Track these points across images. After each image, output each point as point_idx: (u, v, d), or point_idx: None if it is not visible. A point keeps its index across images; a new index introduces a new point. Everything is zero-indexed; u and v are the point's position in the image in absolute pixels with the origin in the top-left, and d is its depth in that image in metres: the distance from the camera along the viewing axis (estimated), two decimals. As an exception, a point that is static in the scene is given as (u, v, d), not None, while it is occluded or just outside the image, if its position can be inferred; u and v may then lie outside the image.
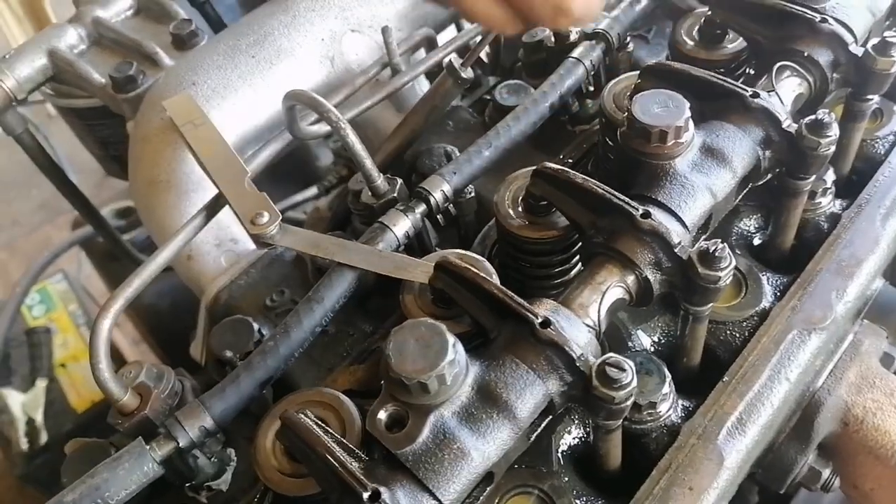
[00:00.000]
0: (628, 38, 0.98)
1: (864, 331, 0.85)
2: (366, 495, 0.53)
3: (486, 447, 0.58)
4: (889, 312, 1.09)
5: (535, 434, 0.63)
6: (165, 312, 2.11)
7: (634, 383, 0.58)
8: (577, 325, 0.63)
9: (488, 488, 0.61)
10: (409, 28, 1.08)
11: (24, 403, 2.57)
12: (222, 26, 1.28)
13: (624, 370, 0.57)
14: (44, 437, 2.40)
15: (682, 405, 0.76)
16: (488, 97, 1.12)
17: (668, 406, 0.74)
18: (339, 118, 0.77)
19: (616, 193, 0.68)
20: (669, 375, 0.74)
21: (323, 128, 0.89)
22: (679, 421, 0.74)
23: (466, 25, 1.23)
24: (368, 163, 0.80)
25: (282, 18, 1.01)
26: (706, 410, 0.73)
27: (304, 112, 0.91)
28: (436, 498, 0.55)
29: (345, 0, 1.03)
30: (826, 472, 0.81)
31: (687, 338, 0.75)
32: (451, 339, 0.58)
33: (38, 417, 2.52)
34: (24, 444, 2.50)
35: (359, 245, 0.74)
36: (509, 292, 0.63)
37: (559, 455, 0.74)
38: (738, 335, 0.80)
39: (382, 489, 0.54)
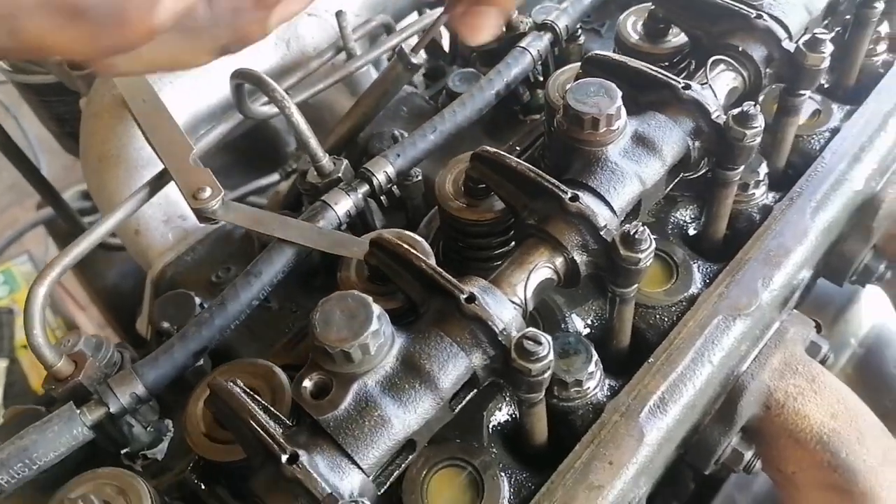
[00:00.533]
0: (580, 31, 1.01)
1: (791, 319, 0.88)
2: (284, 458, 0.55)
3: (408, 416, 0.60)
4: (825, 305, 1.14)
5: (459, 406, 0.66)
6: (128, 294, 2.10)
7: (551, 356, 0.60)
8: (503, 302, 0.65)
9: (410, 456, 0.63)
10: (367, 13, 1.09)
11: (-15, 382, 2.55)
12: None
13: (541, 343, 0.60)
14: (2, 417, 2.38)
15: (609, 384, 0.78)
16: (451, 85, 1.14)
17: (595, 384, 0.77)
18: (283, 97, 0.78)
19: (547, 177, 0.70)
20: (596, 355, 0.76)
21: (272, 108, 0.90)
22: (605, 399, 0.77)
23: (419, 15, 1.25)
24: (313, 142, 0.81)
25: None
26: (630, 389, 0.75)
27: (256, 94, 0.92)
28: (354, 462, 0.57)
29: (302, -16, 1.04)
30: (748, 455, 0.84)
31: (615, 320, 0.77)
32: (376, 310, 0.60)
33: (-2, 396, 2.50)
34: (-18, 424, 2.47)
35: (299, 222, 0.75)
36: (438, 269, 0.65)
37: (489, 431, 0.77)
38: (666, 319, 0.82)
39: (301, 452, 0.55)
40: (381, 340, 0.60)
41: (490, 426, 0.77)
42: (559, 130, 0.75)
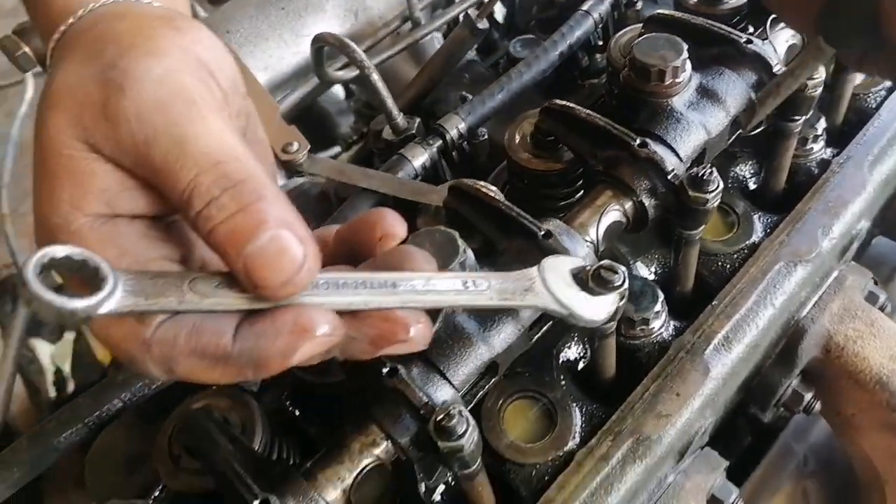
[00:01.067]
0: (637, -4, 1.04)
1: (849, 269, 0.91)
2: (385, 370, 0.60)
3: (492, 339, 0.65)
4: (880, 263, 1.15)
5: (536, 336, 0.70)
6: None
7: (626, 286, 0.64)
8: (577, 240, 0.70)
9: (493, 379, 0.69)
10: (430, -14, 1.14)
11: (53, 354, 2.68)
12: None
13: (616, 273, 0.63)
14: (71, 387, 2.51)
15: (674, 325, 0.82)
16: (501, 61, 1.19)
17: (661, 324, 0.81)
18: (363, 58, 0.84)
19: (616, 125, 0.75)
20: (662, 295, 0.80)
21: (348, 73, 0.96)
22: (670, 338, 0.81)
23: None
24: (390, 101, 0.87)
25: (311, -26, 1.08)
26: (695, 329, 0.80)
27: (331, 61, 0.98)
28: (445, 378, 0.62)
29: (370, -42, 1.10)
30: (808, 396, 0.88)
31: (680, 264, 0.81)
32: (462, 244, 0.65)
33: (66, 368, 2.63)
34: (51, 393, 2.61)
35: (380, 173, 0.81)
36: (517, 209, 0.70)
37: (559, 366, 0.81)
38: (728, 266, 0.86)
39: (399, 366, 0.61)
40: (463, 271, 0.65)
41: (560, 362, 0.82)
42: (626, 84, 0.79)
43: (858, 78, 0.98)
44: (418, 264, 0.56)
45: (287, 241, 0.48)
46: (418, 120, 0.89)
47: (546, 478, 0.74)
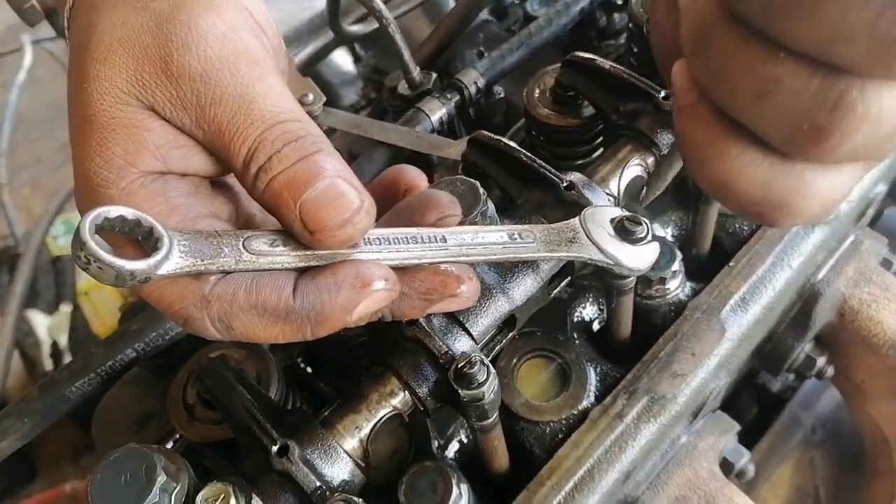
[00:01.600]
0: (656, -44, 1.02)
1: (865, 234, 0.90)
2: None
3: (512, 291, 0.64)
4: (893, 234, 1.15)
5: (554, 291, 0.70)
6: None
7: (651, 237, 0.63)
8: (599, 192, 0.69)
9: (511, 333, 0.68)
10: (444, -57, 1.12)
11: (50, 327, 2.67)
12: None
13: (640, 224, 0.62)
14: (67, 360, 2.49)
15: (691, 286, 0.82)
16: (514, 28, 1.17)
17: (677, 284, 0.80)
18: (383, 9, 0.82)
19: (641, 78, 0.73)
20: (679, 254, 0.79)
21: (364, 28, 0.94)
22: (686, 299, 0.80)
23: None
24: (407, 55, 0.85)
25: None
26: (712, 289, 0.79)
27: (344, 17, 0.96)
28: (464, 328, 0.62)
29: (385, -89, 1.07)
30: (821, 361, 0.87)
31: (698, 225, 0.80)
32: (483, 192, 0.64)
33: (63, 340, 2.62)
34: (48, 365, 2.60)
35: (397, 126, 0.80)
36: (538, 160, 0.69)
37: (573, 326, 0.81)
38: (745, 228, 0.85)
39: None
40: (487, 222, 0.64)
41: (574, 321, 0.81)
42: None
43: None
44: (442, 204, 0.56)
45: (344, 186, 0.48)
46: (434, 75, 0.87)
47: (560, 436, 0.73)
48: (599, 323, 0.82)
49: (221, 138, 0.48)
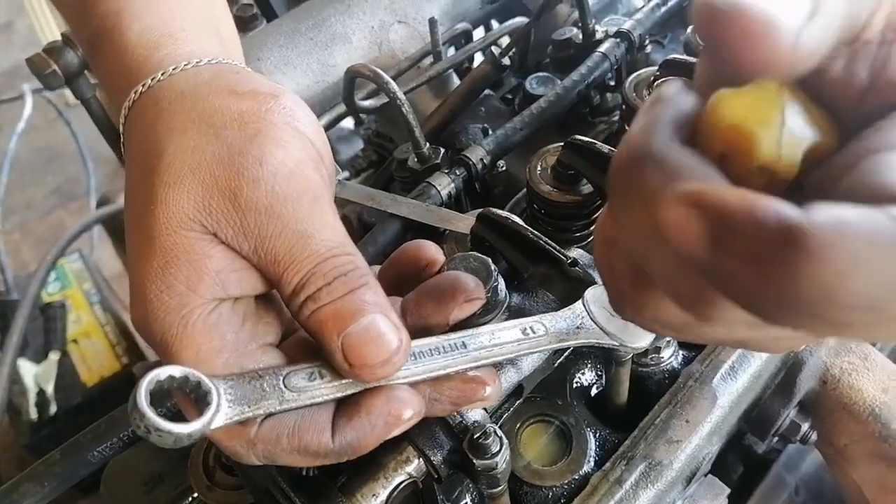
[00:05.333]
0: (647, 41, 1.10)
1: (844, 306, 0.95)
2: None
3: (521, 362, 0.68)
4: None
5: (558, 361, 0.74)
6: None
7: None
8: (600, 269, 0.74)
9: (518, 401, 0.72)
10: (449, 23, 1.19)
11: (37, 375, 2.64)
12: (271, 11, 1.40)
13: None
14: (53, 409, 2.47)
15: (683, 354, 0.86)
16: (510, 95, 1.24)
17: (671, 353, 0.85)
18: (396, 90, 0.88)
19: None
20: (673, 325, 0.84)
21: (374, 102, 1.00)
22: (679, 367, 0.85)
23: (495, 25, 1.35)
24: (418, 131, 0.91)
25: (338, 6, 1.13)
26: (703, 358, 0.84)
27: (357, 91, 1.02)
28: (478, 398, 0.66)
29: (394, -7, 1.15)
30: (805, 426, 0.92)
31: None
32: (495, 269, 0.69)
33: (49, 389, 2.59)
34: (33, 414, 2.56)
35: (409, 199, 0.85)
36: (544, 237, 0.74)
37: (572, 391, 0.85)
38: (733, 299, 0.91)
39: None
40: (499, 296, 0.69)
41: (573, 387, 0.85)
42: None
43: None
44: (469, 288, 0.61)
45: (385, 325, 0.52)
46: (443, 150, 0.93)
47: (562, 500, 0.76)
48: (597, 388, 0.86)
49: (276, 267, 0.53)
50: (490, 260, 0.69)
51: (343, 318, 0.52)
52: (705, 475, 0.87)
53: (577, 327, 0.64)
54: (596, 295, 0.67)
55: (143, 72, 0.60)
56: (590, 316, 0.65)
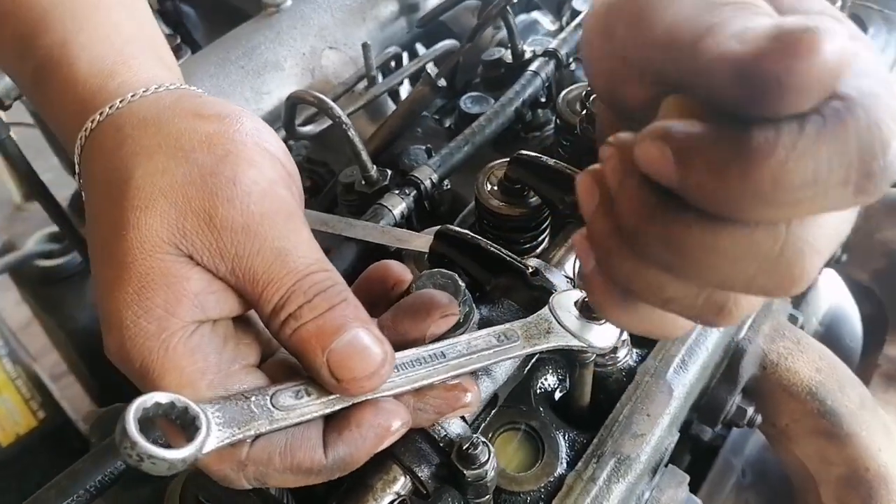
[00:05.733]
0: (571, 59, 1.16)
1: (772, 295, 1.03)
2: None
3: (495, 372, 0.70)
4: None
5: (526, 369, 0.76)
6: (101, 336, 2.07)
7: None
8: (558, 275, 0.77)
9: (493, 411, 0.73)
10: (377, 48, 1.21)
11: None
12: (193, 42, 1.37)
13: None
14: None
15: (637, 353, 0.90)
16: (437, 116, 1.27)
17: (626, 352, 0.89)
18: (341, 114, 0.89)
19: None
20: (627, 326, 0.88)
21: (314, 128, 1.00)
22: (635, 364, 0.89)
23: (421, 50, 1.38)
24: (365, 155, 0.92)
25: (267, 34, 1.12)
26: (656, 354, 0.88)
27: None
28: (457, 411, 0.67)
29: (323, 21, 1.16)
30: (750, 410, 0.98)
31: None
32: (462, 283, 0.70)
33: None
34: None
35: (363, 222, 0.85)
36: (504, 250, 0.76)
37: (536, 398, 0.87)
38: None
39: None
40: (468, 309, 0.70)
41: (537, 394, 0.88)
42: (584, 134, 0.88)
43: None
44: (442, 302, 0.62)
45: (368, 339, 0.53)
46: (390, 172, 0.94)
47: (540, 502, 0.78)
48: (560, 392, 0.89)
49: (255, 286, 0.52)
50: (457, 276, 0.70)
51: (326, 334, 0.52)
52: (665, 466, 0.91)
53: (547, 331, 0.67)
54: (561, 301, 0.69)
55: (98, 100, 0.59)
56: (557, 320, 0.67)
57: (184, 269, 0.52)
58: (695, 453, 1.23)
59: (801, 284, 0.38)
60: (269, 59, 1.10)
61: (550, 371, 0.90)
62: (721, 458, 1.15)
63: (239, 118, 0.57)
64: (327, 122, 1.01)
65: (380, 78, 1.14)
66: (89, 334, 2.11)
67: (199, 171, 0.52)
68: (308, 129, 1.01)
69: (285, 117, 0.96)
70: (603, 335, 0.68)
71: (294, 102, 0.93)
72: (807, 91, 0.32)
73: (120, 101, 0.58)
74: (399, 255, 0.86)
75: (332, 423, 0.55)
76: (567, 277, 0.79)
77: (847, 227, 0.40)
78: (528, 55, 1.12)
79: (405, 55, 1.34)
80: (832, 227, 0.39)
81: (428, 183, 0.91)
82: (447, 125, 1.20)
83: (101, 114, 0.58)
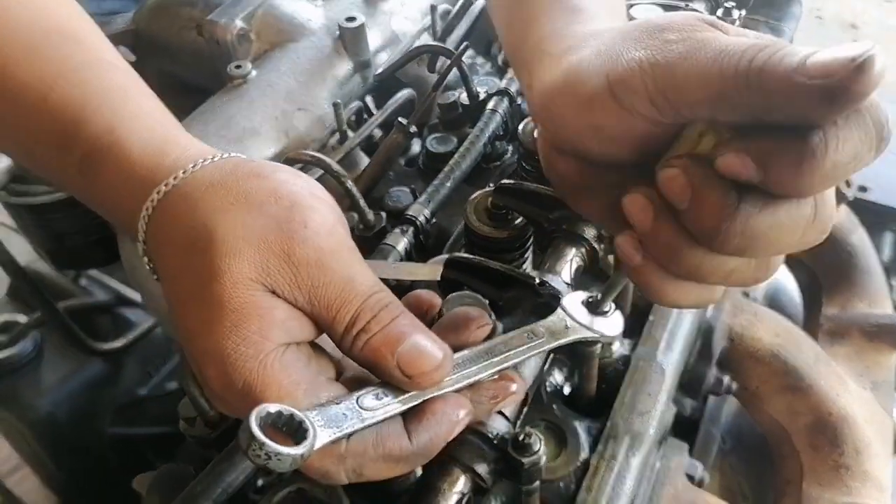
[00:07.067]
0: (519, 95, 1.29)
1: (725, 277, 1.18)
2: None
3: (525, 374, 0.80)
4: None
5: (545, 367, 0.86)
6: (64, 423, 2.03)
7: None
8: (561, 283, 0.88)
9: (524, 408, 0.83)
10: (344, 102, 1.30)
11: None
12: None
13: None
14: None
15: (628, 342, 1.02)
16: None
17: (618, 345, 1.01)
18: (339, 169, 0.97)
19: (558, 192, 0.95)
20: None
21: (304, 184, 1.08)
22: (629, 353, 1.01)
23: (370, 101, 1.48)
24: (362, 202, 1.00)
25: (239, 104, 1.19)
26: (644, 341, 1.00)
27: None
28: (501, 413, 0.76)
29: (289, 85, 1.24)
30: (726, 379, 1.11)
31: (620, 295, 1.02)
32: (485, 301, 0.80)
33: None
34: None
35: (376, 261, 0.94)
36: (510, 267, 0.87)
37: (548, 395, 0.97)
38: (649, 289, 1.09)
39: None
40: (494, 319, 0.80)
41: (548, 392, 0.98)
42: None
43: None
44: (477, 316, 0.72)
45: (428, 340, 0.63)
46: (384, 214, 1.03)
47: (572, 486, 0.88)
48: (569, 387, 0.99)
49: (329, 311, 0.62)
50: (479, 296, 0.80)
51: (393, 341, 0.62)
52: (666, 438, 1.03)
53: (566, 328, 0.77)
54: (570, 301, 0.80)
55: (158, 176, 0.67)
56: (572, 318, 0.78)
57: (271, 301, 0.60)
58: (677, 427, 1.36)
59: (828, 232, 0.54)
60: (246, 126, 1.17)
61: (557, 370, 1.00)
62: (703, 429, 1.28)
63: (294, 175, 0.67)
64: (317, 174, 1.09)
65: (349, 131, 1.23)
66: (53, 421, 2.06)
67: (275, 220, 0.62)
68: (299, 185, 1.09)
69: (280, 177, 1.04)
70: (611, 325, 0.79)
71: (291, 163, 1.01)
72: (863, 99, 0.46)
73: (183, 172, 0.66)
74: (410, 286, 0.95)
75: (411, 417, 0.64)
76: (565, 282, 0.90)
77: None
78: (482, 96, 1.24)
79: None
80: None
81: (422, 219, 1.01)
82: (409, 166, 1.30)
83: (166, 184, 0.66)
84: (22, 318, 1.78)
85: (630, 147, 0.63)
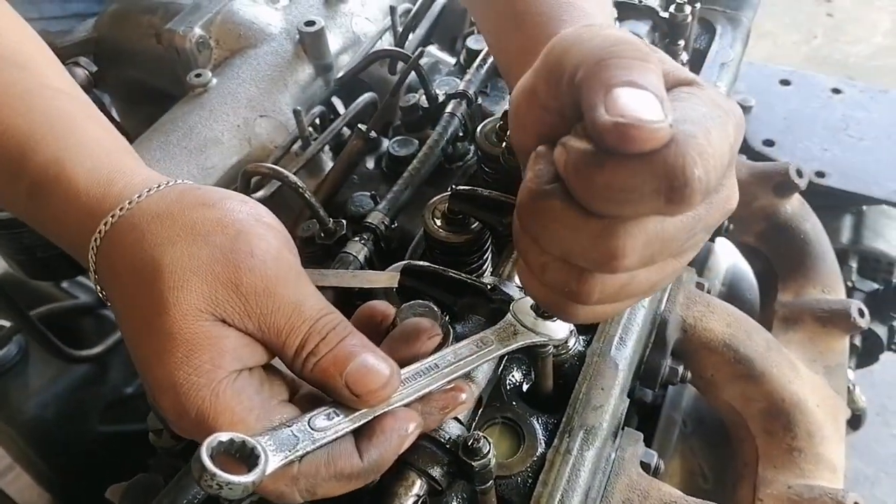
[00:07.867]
0: (477, 96, 1.31)
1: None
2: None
3: (478, 378, 0.83)
4: (693, 262, 1.51)
5: (500, 369, 0.90)
6: (53, 424, 2.06)
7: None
8: (511, 287, 0.91)
9: (479, 410, 0.86)
10: (303, 109, 1.32)
11: None
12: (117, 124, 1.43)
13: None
14: None
15: (583, 339, 1.06)
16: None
17: (574, 341, 1.04)
18: (297, 180, 1.00)
19: (512, 198, 0.98)
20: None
21: (266, 192, 1.11)
22: (583, 349, 1.04)
23: (337, 103, 1.50)
24: (322, 211, 1.03)
25: (200, 113, 1.21)
26: (598, 337, 1.04)
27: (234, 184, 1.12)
28: (455, 417, 0.79)
29: (250, 93, 1.26)
30: (681, 369, 1.16)
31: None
32: (438, 310, 0.83)
33: None
34: None
35: (335, 270, 0.97)
36: (463, 274, 0.90)
37: (507, 392, 1.01)
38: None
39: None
40: (446, 329, 0.83)
41: (507, 389, 1.01)
42: (507, 163, 1.03)
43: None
44: (427, 327, 0.75)
45: (375, 359, 0.66)
46: (345, 222, 1.06)
47: (529, 481, 0.92)
48: (527, 384, 1.03)
49: (279, 336, 0.64)
50: (432, 304, 0.83)
51: (341, 361, 0.65)
52: (622, 429, 1.07)
53: (514, 333, 0.81)
54: (519, 307, 0.83)
55: (105, 206, 0.69)
56: (520, 323, 0.82)
57: (221, 330, 0.63)
58: (641, 414, 1.40)
59: (615, 261, 0.56)
60: (208, 135, 1.19)
61: (516, 368, 1.04)
62: (664, 415, 1.33)
63: (237, 202, 0.69)
64: (276, 185, 1.12)
65: (315, 133, 1.25)
66: (42, 423, 2.08)
67: (221, 251, 0.64)
68: (261, 193, 1.11)
69: (241, 188, 1.06)
70: (558, 328, 0.83)
71: (250, 176, 1.04)
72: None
73: (129, 203, 0.68)
74: (370, 293, 0.98)
75: (362, 434, 0.67)
76: (518, 287, 0.93)
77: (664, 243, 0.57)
78: (441, 98, 1.26)
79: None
80: (652, 230, 0.55)
81: (382, 226, 1.03)
82: (376, 167, 1.32)
83: (112, 216, 0.68)
84: (6, 323, 1.79)
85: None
